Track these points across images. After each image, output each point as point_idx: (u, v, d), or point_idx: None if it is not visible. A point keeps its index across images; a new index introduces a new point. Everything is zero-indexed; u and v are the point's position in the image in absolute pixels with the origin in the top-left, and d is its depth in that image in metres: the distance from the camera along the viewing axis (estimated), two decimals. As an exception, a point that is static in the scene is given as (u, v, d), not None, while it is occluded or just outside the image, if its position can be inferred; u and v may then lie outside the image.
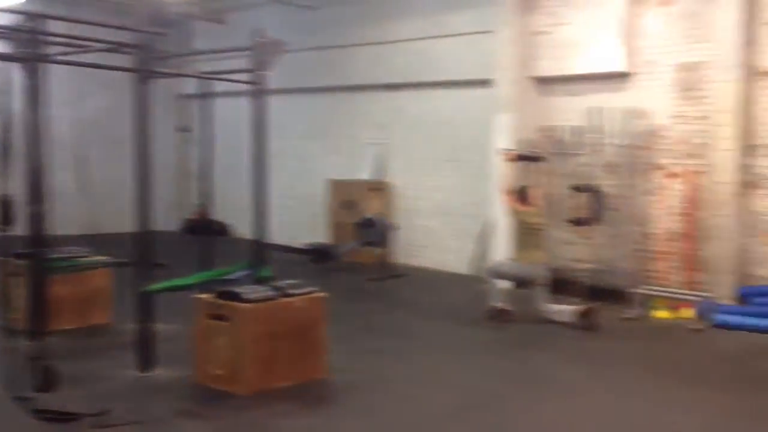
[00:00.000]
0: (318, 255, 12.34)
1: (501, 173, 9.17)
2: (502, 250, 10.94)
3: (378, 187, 13.17)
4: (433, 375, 6.84)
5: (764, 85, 9.14)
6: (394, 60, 12.98)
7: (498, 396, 6.24)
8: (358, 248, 12.24)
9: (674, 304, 9.39)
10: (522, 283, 9.19)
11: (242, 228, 15.31)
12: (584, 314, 8.71)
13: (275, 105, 13.90)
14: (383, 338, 8.13)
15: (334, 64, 13.83)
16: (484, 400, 6.10)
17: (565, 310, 8.86)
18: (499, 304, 9.00)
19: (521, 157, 9.55)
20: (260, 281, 6.86)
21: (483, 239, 11.53)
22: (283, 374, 6.26)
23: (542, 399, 6.17)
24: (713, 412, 5.96)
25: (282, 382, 6.22)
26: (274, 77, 7.71)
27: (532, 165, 9.65)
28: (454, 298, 10.55)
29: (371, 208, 12.82)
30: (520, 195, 9.19)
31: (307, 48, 13.72)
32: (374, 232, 11.71)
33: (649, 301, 9.47)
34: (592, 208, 10.08)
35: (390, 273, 11.71)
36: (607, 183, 10.18)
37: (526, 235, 9.05)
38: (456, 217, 12.47)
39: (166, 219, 16.84)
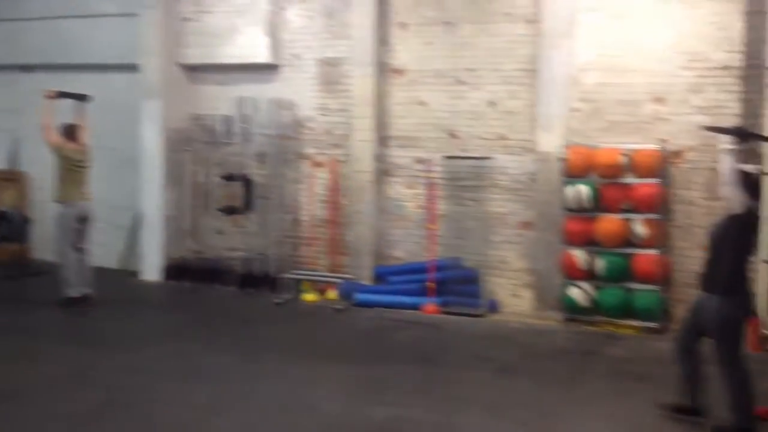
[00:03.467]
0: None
1: (43, 110, 9.04)
2: (154, 242, 10.71)
3: (12, 178, 12.01)
4: (76, 375, 6.46)
5: (395, 81, 10.01)
6: (29, 39, 11.87)
7: (145, 390, 6.09)
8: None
9: (321, 286, 9.96)
10: (80, 220, 9.16)
11: None
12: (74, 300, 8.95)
13: None
14: (21, 341, 7.50)
15: (-44, 41, 12.28)
16: (131, 397, 5.92)
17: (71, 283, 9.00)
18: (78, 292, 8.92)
19: (64, 95, 9.34)
20: None
21: (134, 232, 11.14)
22: None
23: (191, 390, 6.15)
24: (351, 384, 6.44)
25: None
26: None
27: (79, 104, 9.52)
28: (101, 292, 9.96)
29: (5, 200, 11.68)
30: (67, 132, 9.19)
31: None
32: (9, 226, 10.67)
33: (298, 286, 9.92)
34: (243, 196, 10.25)
35: (28, 270, 10.78)
36: (257, 172, 10.42)
37: (71, 173, 9.11)
38: (102, 208, 11.79)
39: None
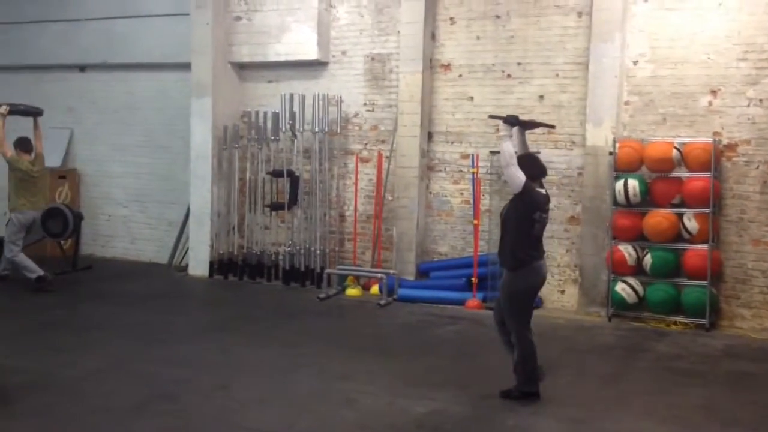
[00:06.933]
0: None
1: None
2: (202, 237, 10.81)
3: (65, 175, 12.28)
4: (118, 368, 6.51)
5: (443, 77, 9.92)
6: (82, 39, 12.13)
7: (186, 383, 6.10)
8: (42, 240, 11.27)
9: (365, 282, 9.91)
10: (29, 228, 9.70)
11: None
12: (42, 278, 9.42)
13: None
14: (65, 334, 7.60)
15: (11, 42, 12.55)
16: (171, 390, 5.93)
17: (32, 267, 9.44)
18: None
19: (14, 111, 9.74)
20: None
21: (183, 228, 11.27)
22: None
23: (231, 383, 6.14)
24: (391, 377, 6.35)
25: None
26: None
27: (33, 117, 9.99)
28: (148, 287, 10.16)
29: (59, 197, 11.95)
30: (21, 145, 9.67)
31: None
32: (63, 223, 10.83)
33: (342, 281, 9.89)
34: (289, 192, 10.26)
35: (79, 265, 10.96)
36: (303, 168, 10.43)
37: (24, 183, 9.58)
38: (153, 204, 12.04)
39: None
